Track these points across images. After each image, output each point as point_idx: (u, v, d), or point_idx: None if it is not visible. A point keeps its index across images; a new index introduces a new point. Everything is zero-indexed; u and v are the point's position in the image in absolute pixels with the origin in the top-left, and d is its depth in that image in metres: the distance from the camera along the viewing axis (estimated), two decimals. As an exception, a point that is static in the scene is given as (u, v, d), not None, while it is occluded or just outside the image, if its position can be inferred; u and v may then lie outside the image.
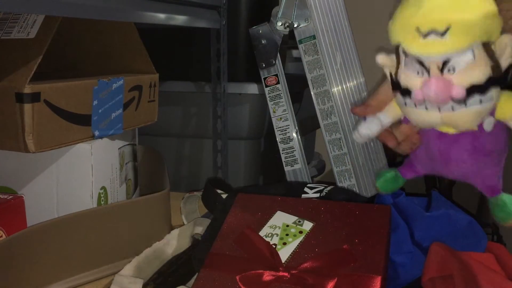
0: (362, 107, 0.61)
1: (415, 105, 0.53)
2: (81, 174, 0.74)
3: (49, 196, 0.74)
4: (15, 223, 0.69)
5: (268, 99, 0.94)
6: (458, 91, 0.50)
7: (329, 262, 0.56)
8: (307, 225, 0.61)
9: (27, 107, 0.63)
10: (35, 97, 0.64)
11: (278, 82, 0.93)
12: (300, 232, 0.60)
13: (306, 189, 0.78)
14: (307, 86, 0.91)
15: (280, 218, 0.63)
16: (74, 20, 0.73)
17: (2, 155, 0.73)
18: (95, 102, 0.74)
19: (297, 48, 0.91)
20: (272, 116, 0.94)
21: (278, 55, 0.93)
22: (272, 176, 1.27)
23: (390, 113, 0.60)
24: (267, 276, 0.55)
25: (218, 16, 1.09)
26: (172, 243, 0.76)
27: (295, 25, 0.89)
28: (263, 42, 0.92)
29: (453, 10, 0.48)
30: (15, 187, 0.75)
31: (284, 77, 0.93)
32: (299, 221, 0.62)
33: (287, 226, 0.62)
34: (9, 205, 0.68)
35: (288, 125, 0.93)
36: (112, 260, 0.73)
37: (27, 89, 0.63)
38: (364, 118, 0.61)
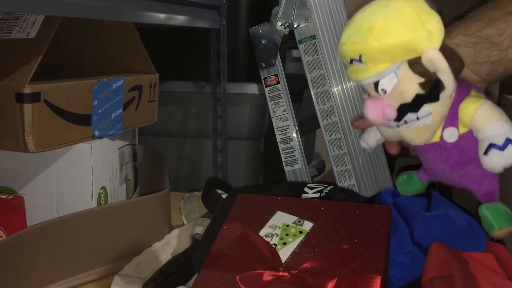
0: (360, 121, 0.63)
1: None
2: (81, 174, 0.74)
3: (49, 196, 0.74)
4: (15, 223, 0.69)
5: (268, 99, 0.94)
6: (389, 112, 0.52)
7: (329, 262, 0.56)
8: (307, 225, 0.61)
9: (27, 107, 0.63)
10: (35, 97, 0.64)
11: (278, 82, 0.93)
12: (300, 232, 0.60)
13: (306, 189, 0.78)
14: (307, 86, 0.91)
15: (280, 218, 0.63)
16: (74, 20, 0.73)
17: (2, 155, 0.73)
18: (95, 102, 0.74)
19: (297, 48, 0.91)
20: (272, 116, 0.94)
21: (278, 55, 0.93)
22: (272, 176, 1.27)
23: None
24: (267, 276, 0.55)
25: (218, 16, 1.09)
26: (172, 243, 0.76)
27: (295, 25, 0.89)
28: (263, 42, 0.92)
29: (361, 40, 0.50)
30: (15, 187, 0.75)
31: (284, 77, 0.93)
32: (299, 221, 0.62)
33: (287, 226, 0.62)
34: (9, 205, 0.68)
35: (288, 125, 0.93)
36: (112, 260, 0.73)
37: (27, 89, 0.63)
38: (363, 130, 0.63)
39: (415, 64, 0.50)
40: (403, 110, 0.52)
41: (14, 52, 0.67)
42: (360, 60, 0.51)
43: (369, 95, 0.54)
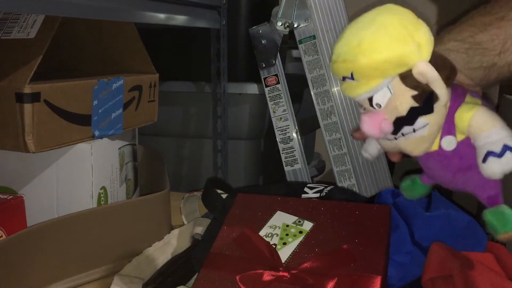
0: (359, 133, 0.62)
1: None
2: (81, 174, 0.74)
3: (49, 196, 0.74)
4: (15, 223, 0.69)
5: (268, 99, 0.94)
6: (386, 125, 0.52)
7: (329, 262, 0.56)
8: (307, 225, 0.61)
9: (27, 107, 0.63)
10: (35, 97, 0.64)
11: (278, 82, 0.93)
12: (300, 232, 0.60)
13: (306, 189, 0.78)
14: (307, 86, 0.91)
15: (280, 218, 0.63)
16: (74, 20, 0.73)
17: (2, 155, 0.73)
18: (95, 102, 0.74)
19: (297, 48, 0.91)
20: (272, 116, 0.94)
21: (278, 55, 0.93)
22: (272, 176, 1.27)
23: None
24: (267, 276, 0.55)
25: (218, 16, 1.09)
26: (172, 243, 0.76)
27: (295, 25, 0.89)
28: (263, 42, 0.92)
29: (351, 58, 0.50)
30: (15, 187, 0.75)
31: (284, 77, 0.94)
32: (299, 221, 0.62)
33: (287, 226, 0.62)
34: (9, 205, 0.68)
35: (288, 125, 0.93)
36: (112, 260, 0.73)
37: (27, 89, 0.63)
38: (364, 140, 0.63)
39: (407, 78, 0.50)
40: (399, 123, 0.52)
41: (14, 52, 0.67)
42: (352, 78, 0.51)
43: (364, 109, 0.54)
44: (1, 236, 0.67)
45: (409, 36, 0.49)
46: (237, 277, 0.55)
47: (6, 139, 0.66)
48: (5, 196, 0.70)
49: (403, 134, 0.52)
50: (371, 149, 0.62)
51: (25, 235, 0.64)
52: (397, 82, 0.50)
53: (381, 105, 0.52)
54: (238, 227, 0.62)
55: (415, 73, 0.50)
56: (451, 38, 0.57)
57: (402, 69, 0.50)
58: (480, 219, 0.56)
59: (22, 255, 0.64)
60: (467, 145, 0.52)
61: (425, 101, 0.51)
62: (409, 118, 0.51)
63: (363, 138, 0.63)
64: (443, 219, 0.62)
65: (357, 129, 0.63)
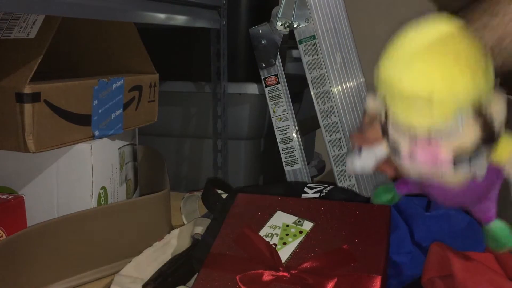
0: (360, 138, 0.58)
1: None
2: (81, 174, 0.74)
3: (49, 196, 0.74)
4: (15, 223, 0.69)
5: (268, 99, 0.94)
6: (446, 161, 0.46)
7: (329, 262, 0.56)
8: (307, 225, 0.61)
9: (27, 107, 0.63)
10: (35, 97, 0.64)
11: (278, 82, 0.93)
12: (300, 232, 0.60)
13: (306, 189, 0.78)
14: (307, 86, 0.91)
15: (280, 218, 0.63)
16: (74, 20, 0.73)
17: (2, 155, 0.73)
18: (95, 102, 0.74)
19: (297, 48, 0.91)
20: (272, 116, 0.94)
21: (278, 55, 0.93)
22: (272, 176, 1.27)
23: (386, 147, 0.54)
24: (267, 276, 0.55)
25: (218, 16, 1.09)
26: (172, 243, 0.76)
27: (295, 25, 0.89)
28: (263, 42, 0.92)
29: (437, 77, 0.43)
30: (15, 187, 0.75)
31: (284, 77, 0.94)
32: (299, 221, 0.62)
33: (287, 226, 0.62)
34: (9, 205, 0.69)
35: (288, 125, 0.93)
36: (112, 260, 0.73)
37: (27, 89, 0.63)
38: (359, 148, 0.57)
39: (477, 108, 0.45)
40: (460, 160, 0.47)
41: (14, 52, 0.67)
42: (426, 102, 0.44)
43: (409, 137, 0.47)
44: (1, 236, 0.67)
45: (487, 69, 0.45)
46: (237, 277, 0.55)
47: (6, 139, 0.66)
48: (5, 196, 0.70)
49: (454, 171, 0.48)
50: (369, 162, 0.55)
51: (25, 235, 0.64)
52: (469, 113, 0.45)
53: (442, 138, 0.46)
54: (238, 227, 0.62)
55: (495, 108, 0.46)
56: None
57: (477, 103, 0.45)
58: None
59: (22, 255, 0.64)
60: (492, 172, 0.50)
61: (488, 140, 0.47)
62: (472, 155, 0.47)
63: (365, 144, 0.57)
64: (443, 219, 0.62)
65: (358, 132, 0.58)
